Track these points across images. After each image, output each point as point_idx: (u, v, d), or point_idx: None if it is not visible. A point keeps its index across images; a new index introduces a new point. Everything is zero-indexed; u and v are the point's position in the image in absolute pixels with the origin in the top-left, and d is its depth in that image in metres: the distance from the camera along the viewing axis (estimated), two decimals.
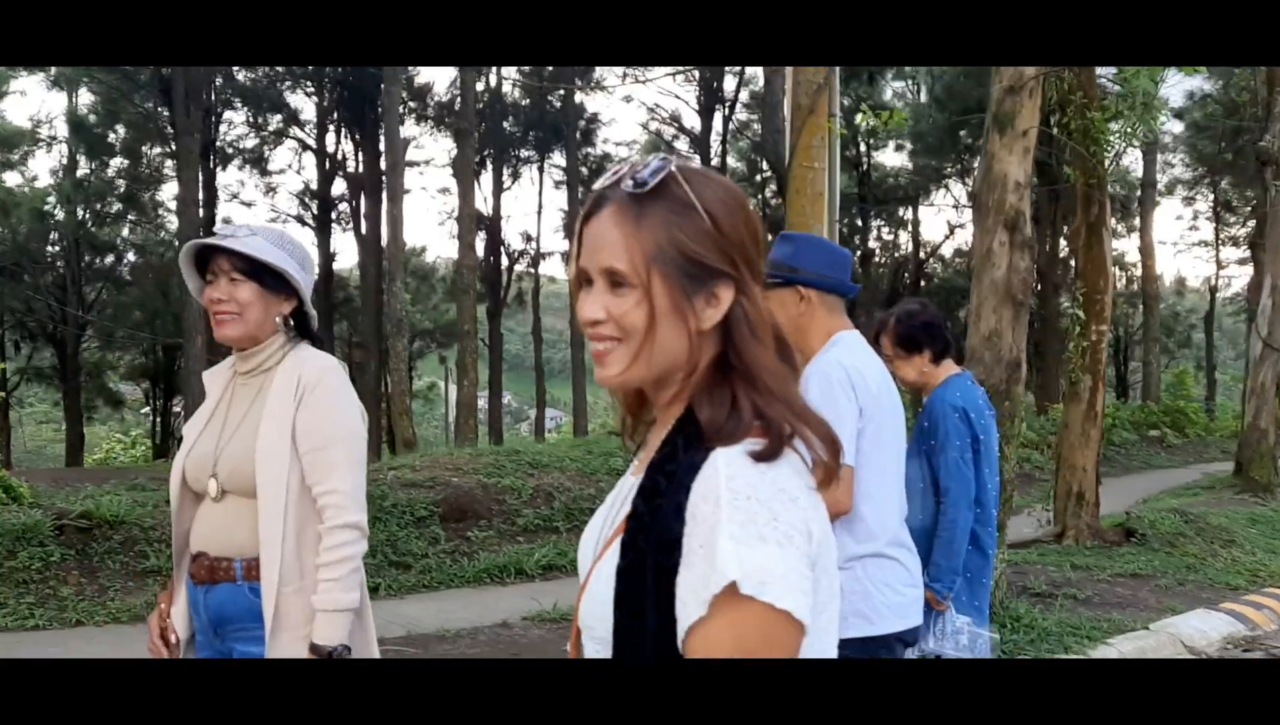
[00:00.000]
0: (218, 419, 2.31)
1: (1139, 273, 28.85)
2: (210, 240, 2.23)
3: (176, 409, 31.58)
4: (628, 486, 1.14)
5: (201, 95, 15.82)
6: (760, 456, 1.01)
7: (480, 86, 22.30)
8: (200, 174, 20.32)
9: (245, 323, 2.23)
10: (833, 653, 1.08)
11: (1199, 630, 6.13)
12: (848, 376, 2.49)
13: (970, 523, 3.38)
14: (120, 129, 23.64)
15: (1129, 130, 8.11)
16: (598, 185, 1.11)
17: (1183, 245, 33.54)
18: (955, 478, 3.34)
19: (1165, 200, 31.39)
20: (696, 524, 0.98)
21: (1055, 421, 12.34)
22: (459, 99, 24.74)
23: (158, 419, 30.95)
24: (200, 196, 20.58)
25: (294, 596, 2.14)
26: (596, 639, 1.08)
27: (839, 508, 2.41)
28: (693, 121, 27.53)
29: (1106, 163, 8.48)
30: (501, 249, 27.98)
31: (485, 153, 25.84)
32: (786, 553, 0.96)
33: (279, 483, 2.15)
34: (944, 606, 3.35)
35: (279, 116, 25.32)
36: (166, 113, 22.11)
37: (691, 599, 0.96)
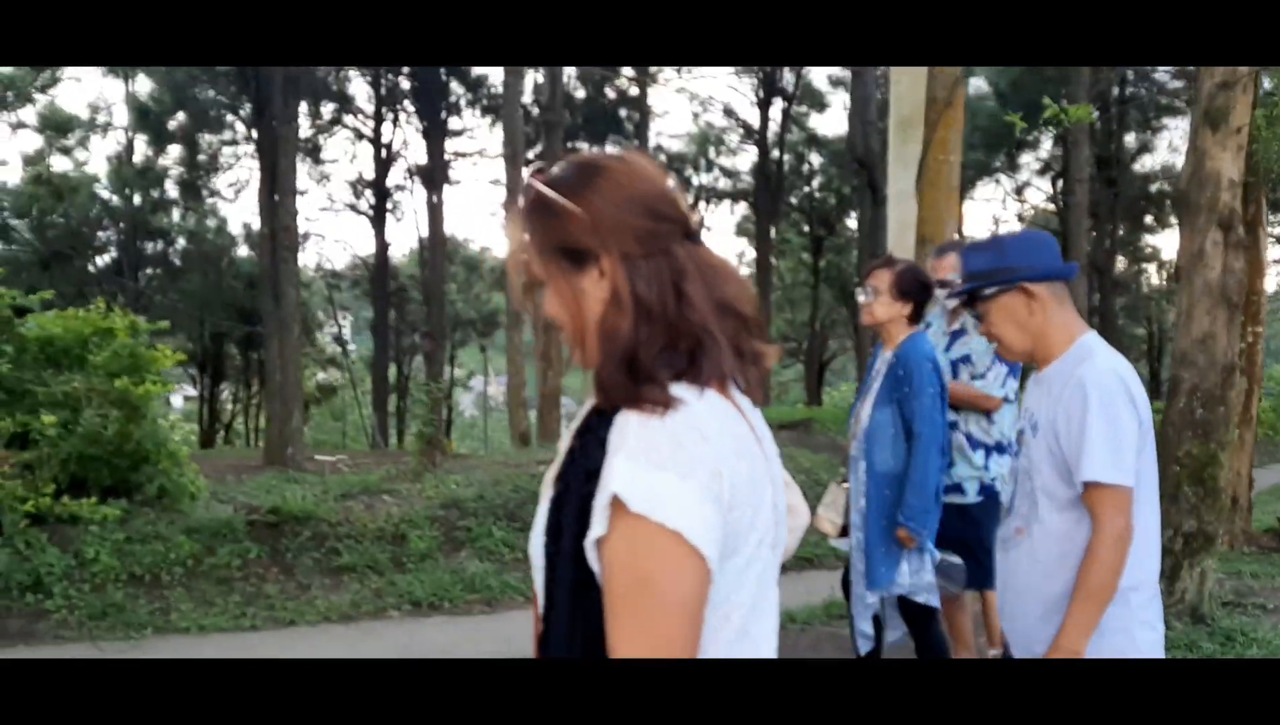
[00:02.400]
0: None
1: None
2: None
3: (224, 396, 31.72)
4: None
5: (299, 84, 15.66)
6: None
7: (538, 77, 21.97)
8: (258, 161, 20.20)
9: None
10: (747, 601, 1.08)
11: None
12: (1126, 389, 2.21)
13: (940, 465, 3.55)
14: (181, 115, 23.48)
15: None
16: None
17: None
18: (927, 422, 3.49)
19: None
20: (611, 452, 1.02)
21: None
22: (521, 89, 24.59)
23: (204, 407, 31.00)
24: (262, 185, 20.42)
25: None
26: (538, 571, 1.11)
27: (1119, 533, 2.13)
28: (747, 114, 27.29)
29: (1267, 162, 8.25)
30: None
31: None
32: (686, 483, 0.99)
33: None
34: (914, 544, 3.52)
35: (333, 105, 25.18)
36: (225, 100, 22.09)
37: (597, 517, 1.00)
